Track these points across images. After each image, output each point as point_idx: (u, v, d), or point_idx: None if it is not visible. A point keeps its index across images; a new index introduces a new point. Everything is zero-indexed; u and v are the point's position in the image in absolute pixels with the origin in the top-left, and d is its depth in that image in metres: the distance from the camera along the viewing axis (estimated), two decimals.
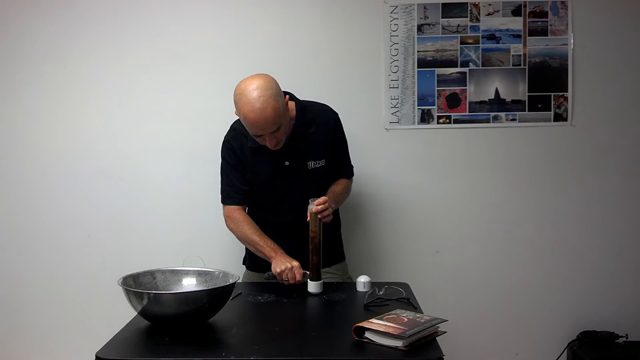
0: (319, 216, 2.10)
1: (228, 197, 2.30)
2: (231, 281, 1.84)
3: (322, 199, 2.12)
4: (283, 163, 2.25)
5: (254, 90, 2.03)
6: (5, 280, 2.82)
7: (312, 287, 2.11)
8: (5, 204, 2.81)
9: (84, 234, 2.79)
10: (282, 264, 2.10)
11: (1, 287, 2.82)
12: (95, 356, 1.57)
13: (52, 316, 2.81)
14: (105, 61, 2.75)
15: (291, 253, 2.17)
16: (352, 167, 2.43)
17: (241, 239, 2.28)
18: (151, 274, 1.95)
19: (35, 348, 2.82)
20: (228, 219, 2.30)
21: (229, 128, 2.34)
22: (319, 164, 2.27)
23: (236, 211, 2.28)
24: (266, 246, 2.19)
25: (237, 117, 2.18)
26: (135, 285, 1.86)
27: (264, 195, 2.30)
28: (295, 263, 2.10)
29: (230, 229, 2.31)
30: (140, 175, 2.78)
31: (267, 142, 2.12)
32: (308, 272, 2.11)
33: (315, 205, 2.10)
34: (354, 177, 2.45)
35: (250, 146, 2.24)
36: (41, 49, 2.75)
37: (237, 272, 1.98)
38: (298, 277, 2.08)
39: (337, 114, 2.36)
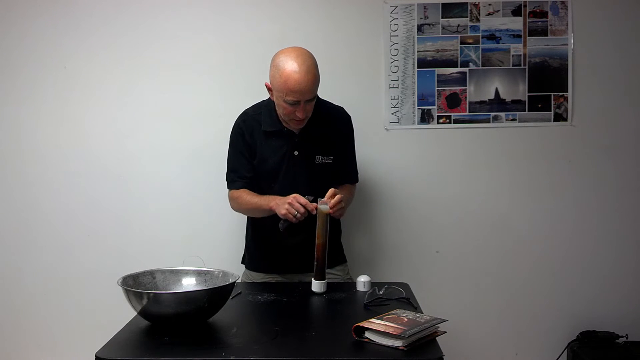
0: (330, 211, 2.07)
1: (232, 181, 2.32)
2: (231, 281, 1.84)
3: (332, 191, 2.08)
4: (292, 152, 2.26)
5: (299, 56, 2.09)
6: (5, 279, 2.81)
7: (316, 286, 2.11)
8: (6, 203, 2.81)
9: (84, 233, 2.79)
10: (282, 207, 2.07)
11: (1, 287, 2.82)
12: (95, 356, 1.57)
13: (52, 316, 2.81)
14: (106, 61, 2.75)
15: (295, 249, 2.20)
16: (357, 172, 2.43)
17: (244, 210, 2.30)
18: (151, 273, 1.95)
19: (35, 348, 2.82)
20: (230, 200, 2.32)
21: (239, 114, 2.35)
22: (326, 159, 2.28)
23: (235, 191, 2.29)
24: (261, 200, 2.18)
25: (241, 110, 2.21)
26: (135, 285, 1.86)
27: (269, 182, 2.28)
28: (289, 198, 2.06)
29: (234, 209, 2.33)
30: (140, 174, 2.78)
31: (298, 113, 2.12)
32: (309, 196, 2.08)
33: (324, 205, 2.07)
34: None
35: (264, 130, 2.25)
36: (42, 50, 2.75)
37: (236, 271, 1.97)
38: (301, 209, 2.04)
39: (350, 117, 2.38)
